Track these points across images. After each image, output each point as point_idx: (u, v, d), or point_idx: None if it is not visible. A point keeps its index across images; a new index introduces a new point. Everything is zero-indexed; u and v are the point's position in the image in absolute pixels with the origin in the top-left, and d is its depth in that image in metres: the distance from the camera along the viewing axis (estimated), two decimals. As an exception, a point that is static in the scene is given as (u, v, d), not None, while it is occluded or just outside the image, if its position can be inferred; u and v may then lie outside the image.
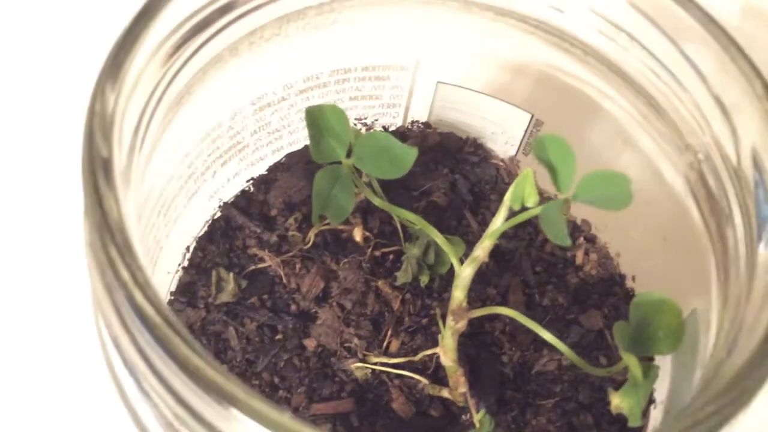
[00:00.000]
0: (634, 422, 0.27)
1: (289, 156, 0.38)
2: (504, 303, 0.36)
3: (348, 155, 0.31)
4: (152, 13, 0.23)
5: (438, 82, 0.36)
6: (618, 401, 0.29)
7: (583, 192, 0.26)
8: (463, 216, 0.37)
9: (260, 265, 0.35)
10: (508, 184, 0.38)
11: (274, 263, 0.34)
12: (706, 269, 0.27)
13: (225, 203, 0.37)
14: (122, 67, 0.21)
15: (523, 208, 0.29)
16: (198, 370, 0.18)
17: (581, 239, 0.36)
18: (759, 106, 0.23)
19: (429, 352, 0.33)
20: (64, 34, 0.45)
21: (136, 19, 0.22)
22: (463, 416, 0.33)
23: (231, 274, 0.34)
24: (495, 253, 0.37)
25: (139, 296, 0.19)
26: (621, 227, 0.35)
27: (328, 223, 0.35)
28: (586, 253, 0.36)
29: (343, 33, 0.32)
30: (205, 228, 0.36)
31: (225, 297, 0.34)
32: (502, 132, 0.37)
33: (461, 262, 0.31)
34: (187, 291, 0.35)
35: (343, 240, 0.35)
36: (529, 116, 0.35)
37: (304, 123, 0.30)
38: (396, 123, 0.39)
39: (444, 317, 0.32)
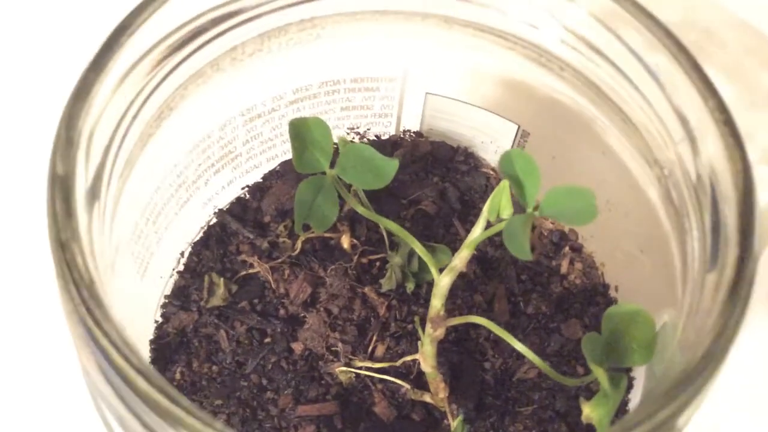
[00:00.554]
0: (602, 432, 0.28)
1: (284, 164, 0.39)
2: (490, 310, 0.36)
3: (332, 166, 0.32)
4: (124, 35, 0.24)
5: (427, 93, 0.37)
6: (588, 411, 0.30)
7: (549, 206, 0.27)
8: (451, 224, 0.38)
9: (251, 271, 0.36)
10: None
11: (263, 269, 0.36)
12: (676, 282, 0.28)
13: (220, 210, 0.38)
14: (91, 90, 0.22)
15: (501, 219, 0.30)
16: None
17: (567, 248, 0.37)
18: (714, 126, 0.23)
19: (409, 358, 0.34)
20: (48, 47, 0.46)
21: (106, 43, 0.23)
22: (445, 421, 0.34)
23: (222, 279, 0.36)
24: (482, 261, 0.37)
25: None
26: (605, 237, 0.36)
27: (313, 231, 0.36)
28: (571, 263, 0.36)
29: (328, 47, 0.32)
30: (201, 234, 0.38)
31: (216, 301, 0.35)
32: (491, 141, 0.38)
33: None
34: (181, 294, 0.36)
35: (331, 247, 0.36)
36: (516, 127, 0.36)
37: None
38: (389, 132, 0.40)
39: (424, 324, 0.33)
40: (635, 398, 0.31)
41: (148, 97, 0.26)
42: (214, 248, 0.37)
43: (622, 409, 0.32)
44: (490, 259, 0.37)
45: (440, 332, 0.32)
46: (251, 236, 0.37)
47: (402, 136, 0.40)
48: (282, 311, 0.35)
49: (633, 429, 0.20)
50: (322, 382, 0.34)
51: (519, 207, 0.28)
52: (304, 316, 0.35)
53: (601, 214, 0.35)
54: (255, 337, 0.35)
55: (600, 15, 0.26)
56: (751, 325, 0.43)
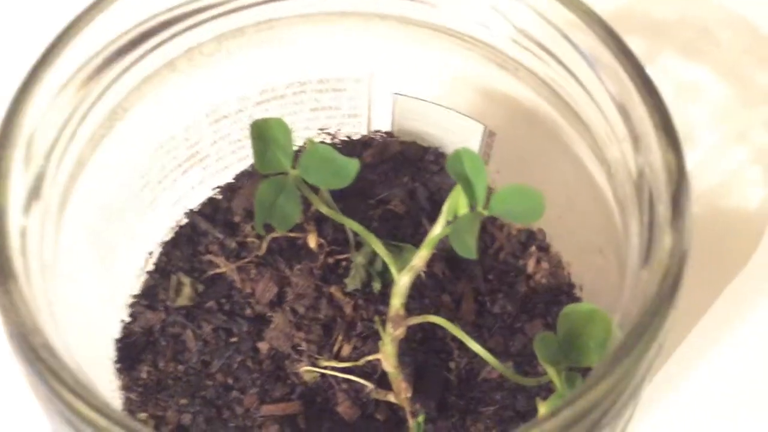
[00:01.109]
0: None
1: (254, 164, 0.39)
2: (457, 310, 0.36)
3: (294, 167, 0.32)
4: (69, 35, 0.24)
5: (395, 93, 0.37)
6: (543, 410, 0.30)
7: (498, 205, 0.27)
8: (420, 223, 0.38)
9: (218, 271, 0.36)
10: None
11: (228, 269, 0.36)
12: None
13: (191, 210, 0.38)
14: (32, 91, 0.23)
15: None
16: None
17: (533, 248, 0.37)
18: (651, 126, 0.23)
19: (370, 357, 0.34)
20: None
21: (52, 44, 0.24)
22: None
23: (188, 279, 0.36)
24: (451, 261, 0.37)
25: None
26: (569, 236, 0.36)
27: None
28: (538, 262, 0.36)
29: (290, 49, 0.33)
30: (171, 234, 0.38)
31: (183, 300, 0.36)
32: (460, 141, 0.38)
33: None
34: (149, 294, 0.37)
35: (298, 247, 0.37)
36: (483, 127, 0.36)
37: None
38: (360, 132, 0.40)
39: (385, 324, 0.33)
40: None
41: (97, 99, 0.26)
42: (184, 248, 0.37)
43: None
44: (459, 258, 0.37)
45: (401, 332, 0.32)
46: (221, 236, 0.37)
47: (372, 136, 0.40)
48: (248, 311, 0.36)
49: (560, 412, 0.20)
50: (288, 381, 0.35)
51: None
52: (271, 316, 0.35)
53: (564, 213, 0.35)
54: (221, 336, 0.35)
55: (546, 13, 0.26)
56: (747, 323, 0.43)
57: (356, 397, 0.34)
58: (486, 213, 0.27)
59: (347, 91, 0.37)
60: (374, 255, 0.35)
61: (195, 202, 0.38)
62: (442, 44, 0.32)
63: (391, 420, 0.34)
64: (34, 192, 0.23)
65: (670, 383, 0.40)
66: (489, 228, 0.38)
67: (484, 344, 0.35)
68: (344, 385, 0.34)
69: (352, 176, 0.32)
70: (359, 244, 0.36)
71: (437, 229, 0.31)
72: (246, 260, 0.36)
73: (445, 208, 0.30)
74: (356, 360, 0.34)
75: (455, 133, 0.38)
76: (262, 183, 0.32)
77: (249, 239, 0.37)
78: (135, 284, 0.36)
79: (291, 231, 0.35)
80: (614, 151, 0.26)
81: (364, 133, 0.40)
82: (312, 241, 0.36)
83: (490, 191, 0.38)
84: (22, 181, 0.22)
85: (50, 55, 0.24)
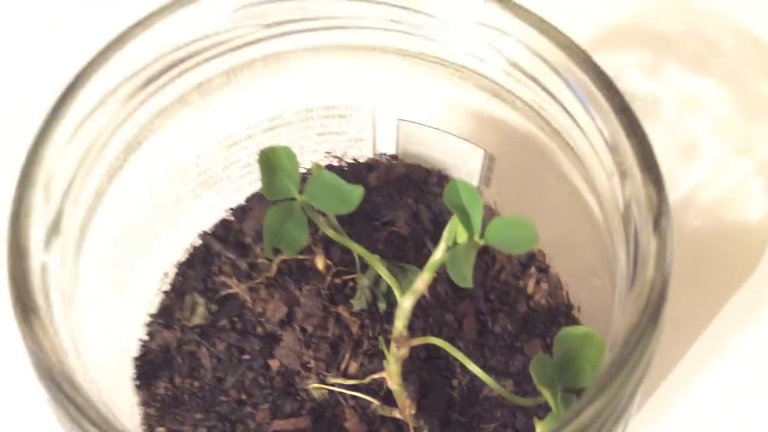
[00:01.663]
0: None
1: (265, 187, 0.41)
2: (460, 329, 0.38)
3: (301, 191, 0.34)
4: (86, 77, 0.26)
5: (398, 119, 0.38)
6: (540, 429, 0.31)
7: (493, 236, 0.28)
8: (424, 245, 0.39)
9: (230, 291, 0.38)
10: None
11: (241, 290, 0.37)
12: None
13: (204, 232, 0.40)
14: (51, 133, 0.24)
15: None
16: None
17: (533, 269, 0.38)
18: (634, 161, 0.24)
19: (376, 376, 0.35)
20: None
21: (70, 85, 0.25)
22: (414, 436, 0.35)
23: (202, 299, 0.38)
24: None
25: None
26: (568, 259, 0.37)
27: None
28: (538, 283, 0.37)
29: (296, 79, 0.34)
30: (186, 255, 0.40)
31: (197, 320, 0.37)
32: (462, 165, 0.39)
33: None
34: (165, 313, 0.38)
35: (306, 268, 0.38)
36: (483, 152, 0.37)
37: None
38: (366, 155, 0.41)
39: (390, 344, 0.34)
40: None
41: (113, 134, 0.28)
42: (198, 269, 0.39)
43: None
44: (462, 278, 0.39)
45: (404, 351, 0.33)
46: (233, 257, 0.39)
47: (378, 159, 0.41)
48: (260, 329, 0.37)
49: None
50: (298, 397, 0.36)
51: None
52: (281, 335, 0.37)
53: (562, 235, 0.36)
54: (234, 354, 0.37)
55: (537, 50, 0.27)
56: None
57: (363, 413, 0.35)
58: (482, 243, 0.28)
59: (352, 117, 0.38)
60: (379, 277, 0.36)
61: (208, 223, 0.40)
62: (440, 74, 0.33)
63: (396, 435, 0.35)
64: (54, 228, 0.24)
65: (673, 395, 0.41)
66: (491, 249, 0.39)
67: (485, 363, 0.36)
68: (351, 402, 0.36)
69: (356, 203, 0.34)
70: (365, 266, 0.37)
71: (438, 254, 0.32)
72: (257, 281, 0.38)
73: (446, 234, 0.32)
74: (363, 377, 0.36)
75: (457, 157, 0.39)
76: (271, 209, 0.34)
77: (260, 260, 0.38)
78: (152, 304, 0.38)
79: (300, 253, 0.37)
80: (604, 182, 0.27)
81: (370, 155, 0.41)
82: (320, 263, 0.38)
83: (491, 213, 0.40)
84: (42, 219, 0.24)
85: (68, 95, 0.26)
